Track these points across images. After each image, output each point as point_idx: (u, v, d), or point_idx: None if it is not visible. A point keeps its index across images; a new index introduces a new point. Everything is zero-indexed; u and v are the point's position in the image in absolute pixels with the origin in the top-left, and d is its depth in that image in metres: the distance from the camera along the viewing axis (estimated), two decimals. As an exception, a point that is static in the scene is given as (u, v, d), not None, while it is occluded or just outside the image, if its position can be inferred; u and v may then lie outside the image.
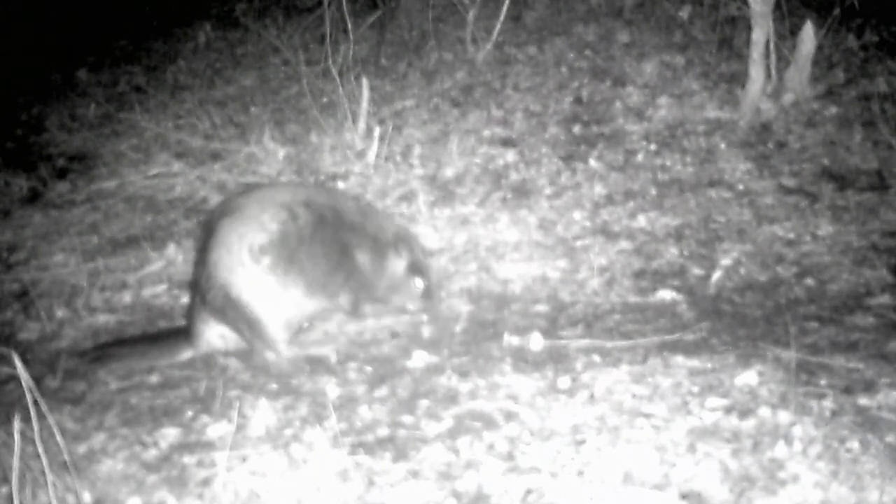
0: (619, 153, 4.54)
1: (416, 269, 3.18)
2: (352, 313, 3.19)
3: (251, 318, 2.97)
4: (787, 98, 4.82)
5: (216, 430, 2.66)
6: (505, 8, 5.61)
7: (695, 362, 2.82)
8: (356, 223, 3.11)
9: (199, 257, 3.04)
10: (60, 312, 3.49)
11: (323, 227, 3.02)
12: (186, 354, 3.10)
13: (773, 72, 4.90)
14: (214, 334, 3.06)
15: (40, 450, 2.10)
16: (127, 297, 3.60)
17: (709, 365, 2.80)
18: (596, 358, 2.92)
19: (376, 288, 3.15)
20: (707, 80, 5.19)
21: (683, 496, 2.22)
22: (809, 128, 4.63)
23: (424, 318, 3.24)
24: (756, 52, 4.66)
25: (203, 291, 2.99)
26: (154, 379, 3.04)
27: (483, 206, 4.14)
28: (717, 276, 3.50)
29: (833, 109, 4.76)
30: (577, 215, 4.04)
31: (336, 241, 3.05)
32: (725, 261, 3.59)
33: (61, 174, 4.91)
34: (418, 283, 3.18)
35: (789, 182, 4.18)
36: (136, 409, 2.83)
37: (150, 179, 4.64)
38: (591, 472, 2.33)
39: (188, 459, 2.53)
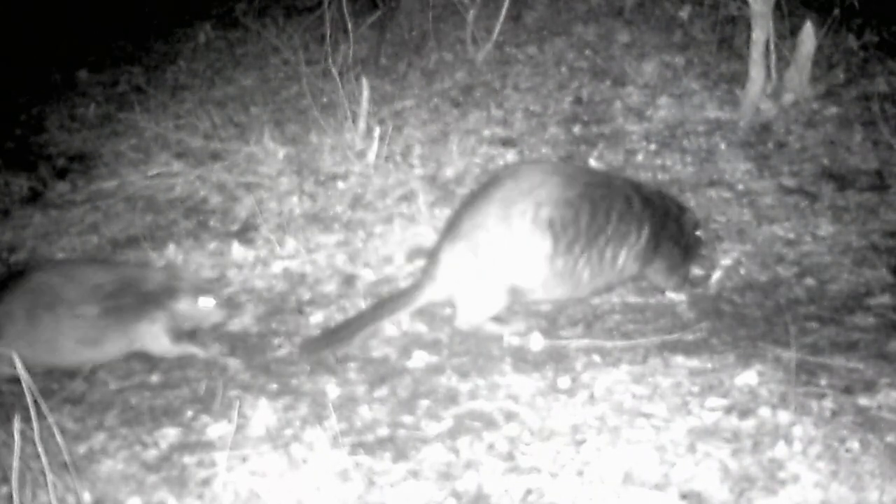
0: (619, 153, 4.54)
1: (698, 224, 3.46)
2: (677, 287, 3.40)
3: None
4: (787, 98, 4.82)
5: (216, 430, 2.66)
6: (505, 8, 5.60)
7: (695, 362, 2.82)
8: (670, 213, 3.32)
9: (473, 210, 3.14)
10: (60, 312, 3.48)
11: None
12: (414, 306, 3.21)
13: (773, 72, 4.90)
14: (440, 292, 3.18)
15: (40, 450, 2.09)
16: (127, 297, 3.59)
17: (709, 365, 2.80)
18: (596, 358, 2.92)
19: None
20: (707, 80, 5.19)
21: (683, 496, 2.22)
22: (809, 128, 4.63)
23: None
24: (756, 52, 4.66)
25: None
26: (154, 379, 3.04)
27: (483, 206, 4.14)
28: (717, 276, 3.50)
29: (833, 109, 4.75)
30: (577, 215, 4.04)
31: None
32: (725, 261, 3.59)
33: (61, 174, 4.91)
34: (699, 232, 3.45)
35: (789, 182, 4.18)
36: (136, 409, 2.84)
37: (150, 179, 4.63)
38: (591, 472, 2.33)
39: (188, 459, 2.53)
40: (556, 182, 3.10)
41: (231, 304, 3.37)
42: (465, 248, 3.09)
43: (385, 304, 3.21)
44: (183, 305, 3.16)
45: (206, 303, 3.18)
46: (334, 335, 3.14)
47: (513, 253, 3.06)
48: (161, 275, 3.25)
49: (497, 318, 3.20)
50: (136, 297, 3.12)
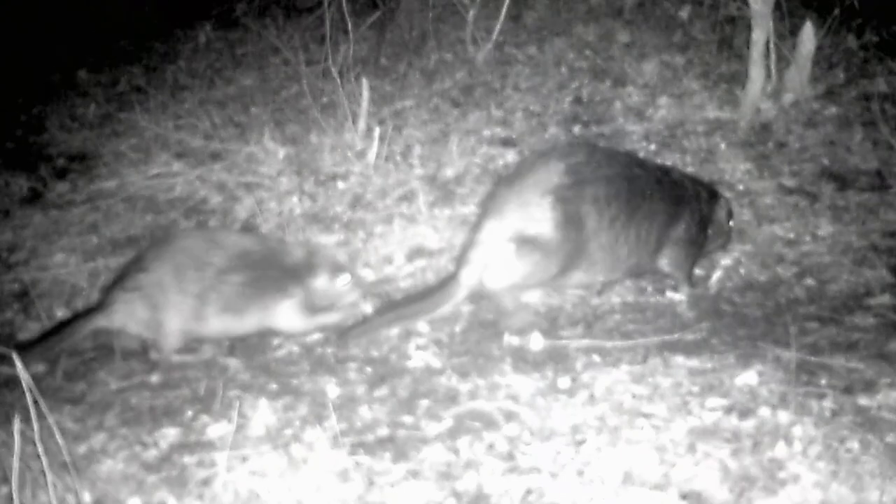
0: (619, 153, 4.54)
1: (732, 212, 3.54)
2: (685, 279, 3.42)
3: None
4: (787, 98, 4.82)
5: (216, 430, 2.66)
6: (505, 8, 5.60)
7: (695, 362, 2.82)
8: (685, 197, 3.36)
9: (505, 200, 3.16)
10: (60, 312, 3.49)
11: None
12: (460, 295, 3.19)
13: (773, 72, 4.90)
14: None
15: (40, 450, 2.10)
16: (127, 297, 3.59)
17: (709, 365, 2.80)
18: (596, 358, 2.92)
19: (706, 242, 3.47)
20: (707, 80, 5.18)
21: (683, 496, 2.22)
22: (809, 128, 4.63)
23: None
24: (756, 52, 4.66)
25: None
26: (154, 379, 3.04)
27: (483, 206, 4.14)
28: (717, 276, 3.50)
29: (833, 109, 4.75)
30: (577, 215, 4.04)
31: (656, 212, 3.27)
32: (725, 261, 3.59)
33: (61, 174, 4.91)
34: (731, 222, 3.53)
35: (789, 182, 4.18)
36: (136, 409, 2.84)
37: (150, 179, 4.63)
38: (591, 472, 2.33)
39: (188, 459, 2.53)
40: (598, 160, 3.18)
41: (365, 285, 3.35)
42: (510, 227, 3.11)
43: (429, 294, 3.22)
44: (320, 283, 3.17)
45: (344, 281, 3.20)
46: (372, 324, 3.19)
47: (559, 227, 3.09)
48: (301, 250, 3.26)
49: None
50: (279, 271, 3.14)
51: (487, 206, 3.24)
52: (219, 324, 3.12)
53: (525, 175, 3.18)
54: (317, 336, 3.26)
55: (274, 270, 3.14)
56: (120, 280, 3.19)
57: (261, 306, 3.12)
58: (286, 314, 3.16)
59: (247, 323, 3.15)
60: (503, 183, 3.30)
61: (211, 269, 3.08)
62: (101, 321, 3.15)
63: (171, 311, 3.07)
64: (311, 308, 3.20)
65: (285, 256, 3.20)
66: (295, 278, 3.16)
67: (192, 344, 3.20)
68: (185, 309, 3.07)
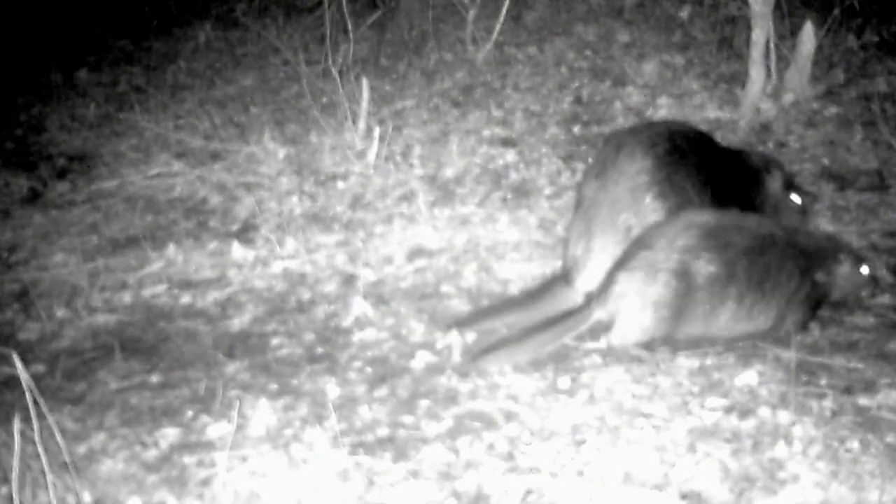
0: (619, 153, 4.53)
1: (790, 185, 3.45)
2: None
3: None
4: (787, 98, 4.82)
5: (216, 430, 2.66)
6: (505, 8, 5.61)
7: (695, 362, 2.82)
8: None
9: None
10: (60, 312, 3.49)
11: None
12: None
13: (773, 72, 4.90)
14: None
15: (40, 450, 2.10)
16: (127, 297, 3.60)
17: (709, 364, 2.80)
18: (596, 358, 2.92)
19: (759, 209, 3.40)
20: (707, 80, 5.19)
21: (683, 496, 2.22)
22: (809, 128, 4.63)
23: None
24: (756, 52, 4.66)
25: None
26: (154, 379, 3.04)
27: (483, 206, 4.14)
28: (717, 276, 3.49)
29: (833, 109, 4.76)
30: (577, 215, 4.04)
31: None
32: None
33: (61, 174, 4.91)
34: (795, 198, 3.42)
35: (789, 182, 4.18)
36: (136, 409, 2.84)
37: (150, 179, 4.64)
38: (591, 472, 2.33)
39: (188, 459, 2.54)
40: (679, 146, 3.21)
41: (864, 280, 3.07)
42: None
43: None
44: (844, 271, 3.00)
45: (865, 271, 3.03)
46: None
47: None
48: (821, 240, 3.08)
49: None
50: (795, 261, 2.92)
51: (590, 215, 3.22)
52: (727, 315, 2.88)
53: (616, 176, 3.19)
54: (315, 336, 3.26)
55: (790, 261, 2.91)
56: (622, 261, 2.97)
57: (768, 301, 2.89)
58: (796, 308, 2.93)
59: (749, 317, 2.90)
60: (591, 182, 3.27)
61: (733, 249, 2.85)
62: (600, 314, 2.95)
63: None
64: (817, 301, 3.00)
65: (806, 247, 2.98)
66: (811, 269, 2.94)
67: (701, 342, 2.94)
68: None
